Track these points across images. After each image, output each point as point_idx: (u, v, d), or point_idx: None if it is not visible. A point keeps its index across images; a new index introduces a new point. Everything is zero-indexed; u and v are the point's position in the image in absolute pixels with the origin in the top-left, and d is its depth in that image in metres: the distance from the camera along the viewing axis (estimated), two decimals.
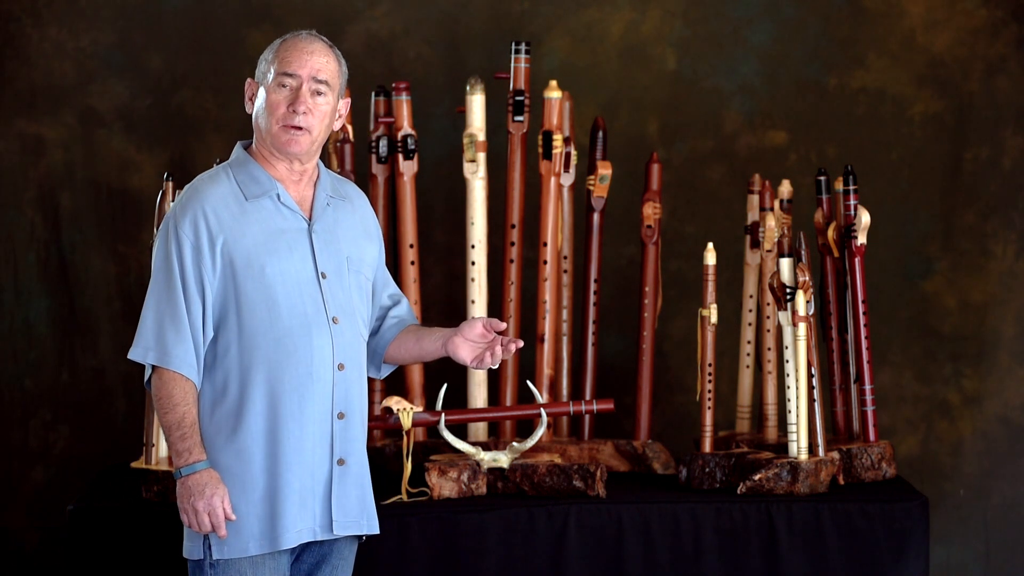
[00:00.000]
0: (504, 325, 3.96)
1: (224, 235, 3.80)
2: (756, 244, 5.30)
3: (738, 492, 4.79)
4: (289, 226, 3.87)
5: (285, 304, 3.82)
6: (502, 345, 3.95)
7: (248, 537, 3.82)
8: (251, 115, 3.92)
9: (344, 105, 3.93)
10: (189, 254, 3.79)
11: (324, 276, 3.87)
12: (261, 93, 3.87)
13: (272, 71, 3.85)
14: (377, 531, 3.97)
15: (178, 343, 3.78)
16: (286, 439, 3.81)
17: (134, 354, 3.82)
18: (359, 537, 3.99)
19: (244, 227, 3.82)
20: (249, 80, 3.93)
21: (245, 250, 3.80)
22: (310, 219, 3.90)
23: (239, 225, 3.82)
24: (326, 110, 3.87)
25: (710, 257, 5.03)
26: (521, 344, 3.96)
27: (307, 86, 3.83)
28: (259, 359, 3.80)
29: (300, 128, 3.83)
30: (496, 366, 4.00)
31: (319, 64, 3.84)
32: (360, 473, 3.92)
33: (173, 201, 4.82)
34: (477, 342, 3.96)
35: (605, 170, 5.24)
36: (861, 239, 5.07)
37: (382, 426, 4.78)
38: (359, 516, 3.92)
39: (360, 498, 3.92)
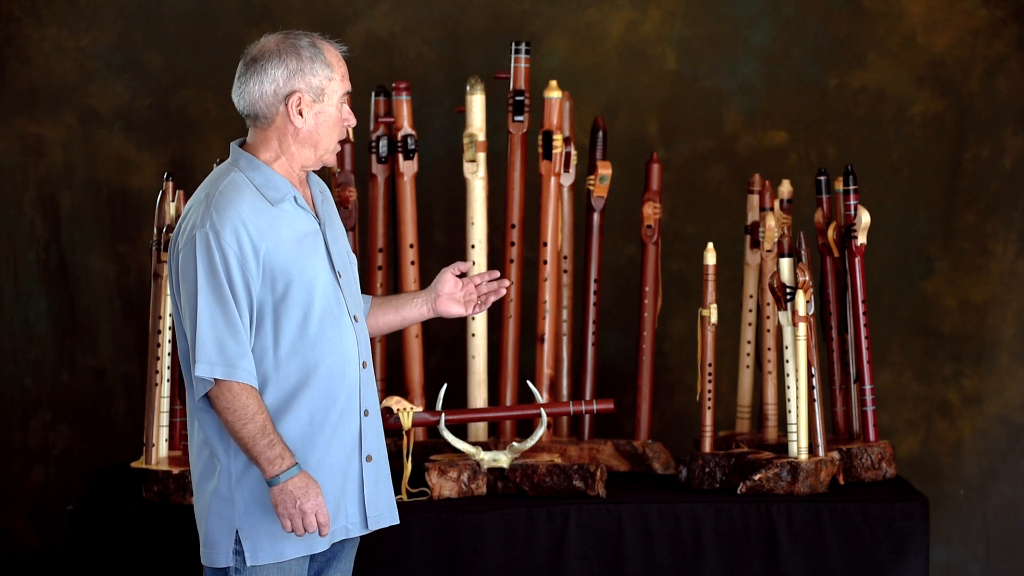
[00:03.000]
0: (469, 264, 4.08)
1: (265, 243, 3.75)
2: (756, 244, 5.30)
3: (738, 492, 4.79)
4: (308, 228, 3.85)
5: (319, 308, 3.80)
6: (487, 286, 4.06)
7: (285, 542, 3.79)
8: (300, 127, 3.83)
9: None
10: (236, 265, 3.72)
11: (340, 275, 3.87)
12: (324, 108, 3.83)
13: (338, 88, 3.84)
14: (397, 521, 3.98)
15: (242, 355, 3.72)
16: (322, 442, 3.81)
17: (201, 371, 3.71)
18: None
19: (278, 233, 3.79)
20: (298, 93, 3.81)
21: (283, 256, 3.77)
22: (318, 218, 3.89)
23: (274, 232, 3.78)
24: None
25: (710, 257, 5.03)
26: (508, 283, 4.08)
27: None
28: (298, 364, 3.78)
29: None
30: (487, 308, 4.11)
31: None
32: (384, 466, 3.94)
33: (175, 201, 4.81)
34: (457, 292, 4.06)
35: (605, 170, 5.24)
36: (861, 239, 5.07)
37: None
38: (385, 509, 3.94)
39: (386, 491, 3.94)
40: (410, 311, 4.10)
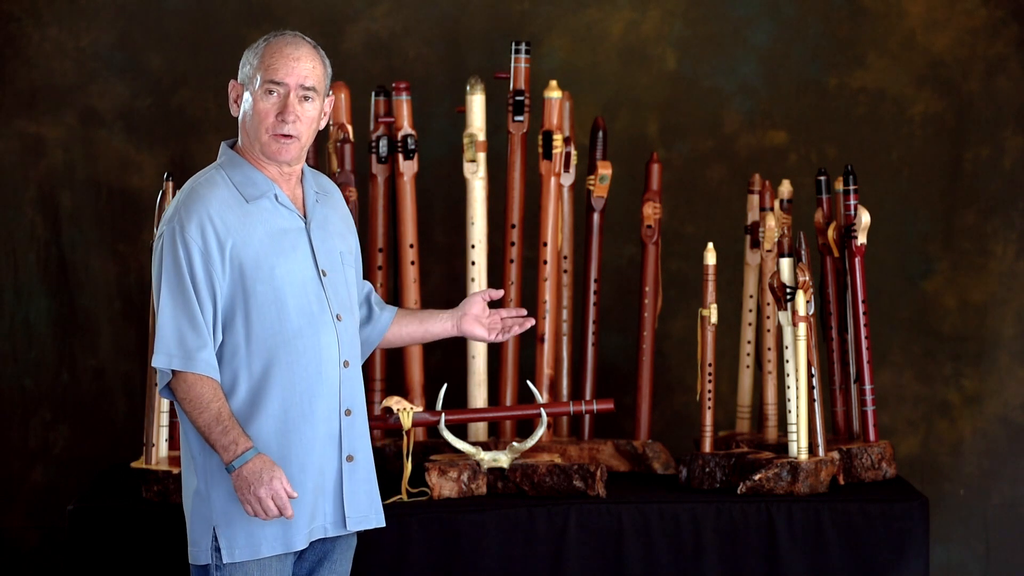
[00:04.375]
0: (502, 293, 4.13)
1: (232, 239, 3.79)
2: (756, 244, 5.30)
3: (738, 492, 4.79)
4: (289, 226, 3.87)
5: (293, 305, 3.82)
6: (511, 320, 4.12)
7: (261, 539, 3.81)
8: (236, 117, 3.92)
9: (328, 103, 3.93)
10: (198, 259, 3.77)
11: (325, 274, 3.88)
12: (247, 98, 3.87)
13: (259, 78, 3.84)
14: (384, 524, 3.99)
15: (200, 347, 3.76)
16: (298, 439, 3.82)
17: (158, 362, 3.76)
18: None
19: (250, 229, 3.81)
20: (233, 81, 3.92)
21: (254, 252, 3.80)
22: (305, 217, 3.90)
23: (245, 228, 3.81)
24: (313, 115, 3.88)
25: (710, 257, 5.03)
26: (532, 322, 4.14)
27: (295, 94, 3.83)
28: (270, 361, 3.80)
29: (290, 136, 3.84)
30: (509, 336, 4.17)
31: (306, 71, 3.84)
32: (368, 468, 3.94)
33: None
34: (484, 316, 4.12)
35: (605, 170, 5.24)
36: (861, 239, 5.07)
37: (382, 426, 4.78)
38: (368, 510, 3.94)
39: (368, 493, 3.94)
40: (434, 325, 4.16)
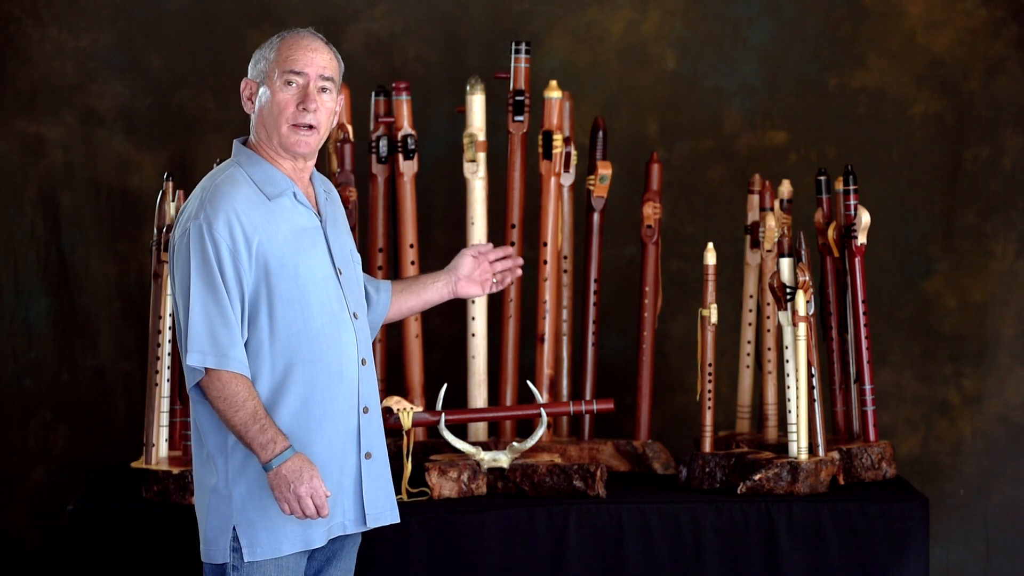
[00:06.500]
0: (491, 246, 4.22)
1: (258, 236, 3.78)
2: (756, 244, 5.30)
3: (738, 492, 4.79)
4: (308, 224, 3.88)
5: (316, 303, 3.83)
6: (503, 268, 4.21)
7: (282, 537, 3.81)
8: (249, 114, 3.92)
9: (340, 102, 3.95)
10: (227, 256, 3.75)
11: (340, 272, 3.89)
12: (264, 92, 3.86)
13: (277, 70, 3.84)
14: (398, 520, 4.00)
15: (233, 344, 3.75)
16: (318, 437, 3.82)
17: (192, 360, 3.73)
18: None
19: (274, 227, 3.81)
20: (246, 79, 3.91)
21: (279, 250, 3.80)
22: (320, 215, 3.91)
23: (269, 225, 3.81)
24: (331, 107, 3.89)
25: (710, 257, 5.03)
26: (521, 261, 4.25)
27: (314, 84, 3.84)
28: (293, 358, 3.80)
29: (310, 127, 3.84)
30: (503, 287, 4.28)
31: (324, 62, 3.86)
32: (384, 464, 3.96)
33: (175, 201, 4.81)
34: (475, 272, 4.20)
35: (605, 170, 5.24)
36: (861, 239, 5.07)
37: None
38: (385, 507, 3.96)
39: (385, 489, 3.96)
40: (431, 294, 4.22)
